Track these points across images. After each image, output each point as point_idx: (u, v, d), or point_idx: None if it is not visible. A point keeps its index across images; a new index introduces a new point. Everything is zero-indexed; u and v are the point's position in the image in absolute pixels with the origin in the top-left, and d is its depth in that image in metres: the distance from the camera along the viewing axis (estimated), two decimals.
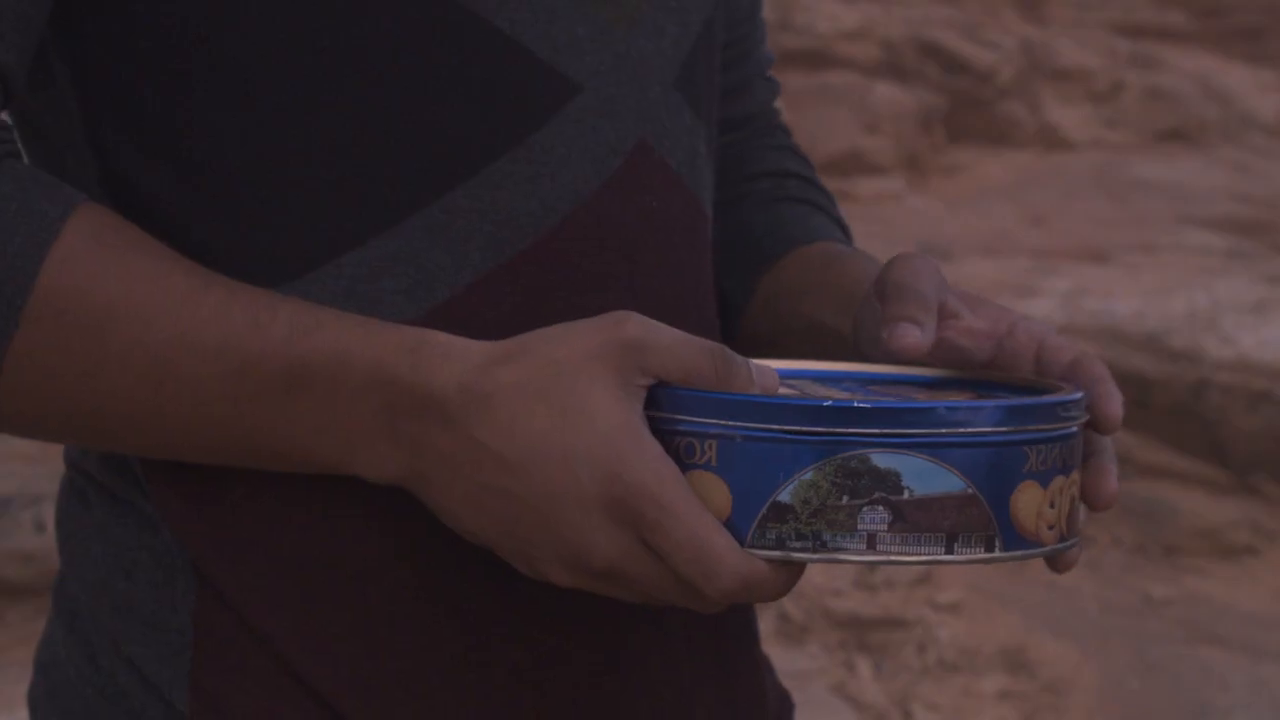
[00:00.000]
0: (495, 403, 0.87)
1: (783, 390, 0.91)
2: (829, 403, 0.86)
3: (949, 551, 0.86)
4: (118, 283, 0.89)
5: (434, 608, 0.97)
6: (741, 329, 1.12)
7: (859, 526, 0.85)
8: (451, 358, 0.88)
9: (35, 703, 1.04)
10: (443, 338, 0.89)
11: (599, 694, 0.99)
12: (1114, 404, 0.92)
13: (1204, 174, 5.98)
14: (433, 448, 0.88)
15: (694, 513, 0.85)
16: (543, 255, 0.96)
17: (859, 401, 0.86)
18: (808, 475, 0.85)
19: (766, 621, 3.54)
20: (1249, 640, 3.74)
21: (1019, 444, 0.87)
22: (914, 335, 0.91)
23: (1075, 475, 0.91)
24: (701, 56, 1.05)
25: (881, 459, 0.85)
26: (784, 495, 0.86)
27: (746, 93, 1.20)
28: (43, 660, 1.05)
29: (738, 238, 1.14)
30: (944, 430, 0.86)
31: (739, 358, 0.88)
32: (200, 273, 0.91)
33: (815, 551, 0.86)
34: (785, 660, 3.39)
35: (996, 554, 0.87)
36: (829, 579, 3.63)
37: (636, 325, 0.87)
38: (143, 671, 0.97)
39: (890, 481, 0.85)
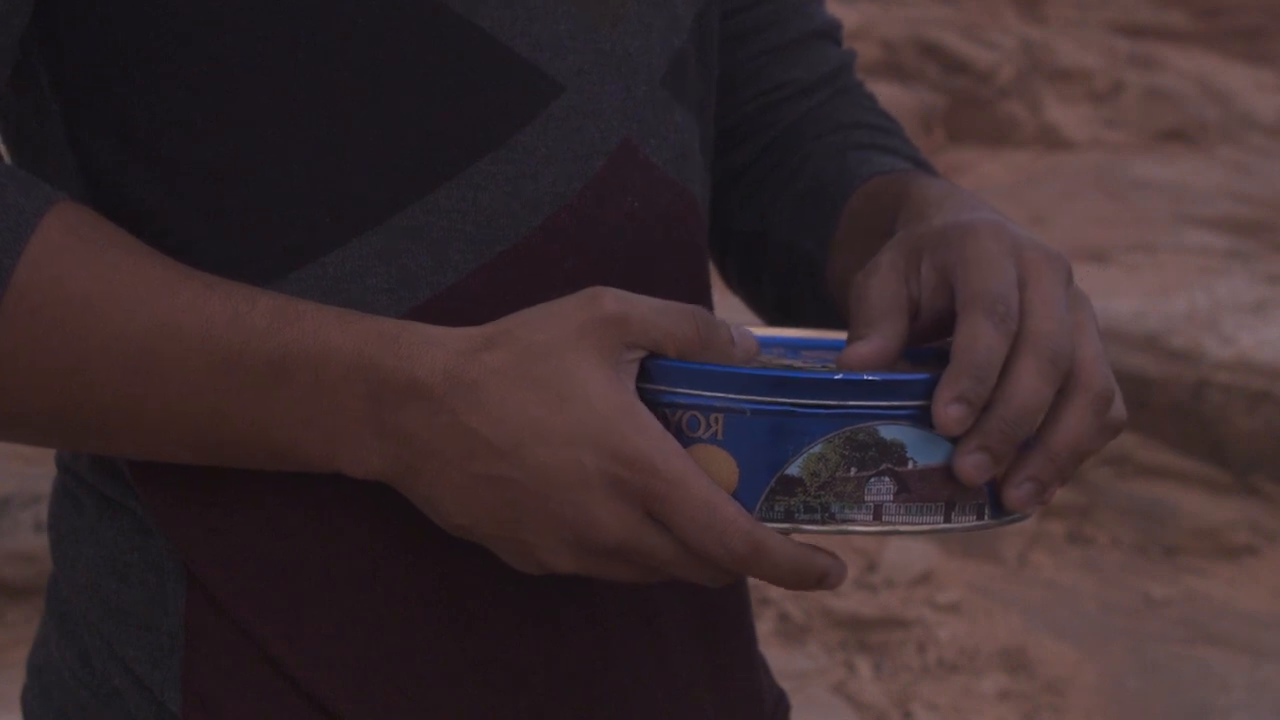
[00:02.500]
0: (484, 389, 0.86)
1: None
2: (840, 376, 0.87)
3: (947, 520, 0.88)
4: (95, 277, 0.89)
5: (427, 609, 0.96)
6: (826, 287, 1.11)
7: (866, 498, 0.86)
8: (434, 344, 0.88)
9: (28, 705, 1.04)
10: (424, 327, 0.89)
11: (592, 695, 0.99)
12: (938, 403, 0.86)
13: (1204, 174, 5.98)
14: (419, 438, 0.88)
15: (701, 482, 0.85)
16: (524, 256, 0.96)
17: (868, 375, 0.87)
18: (816, 448, 0.86)
19: (766, 621, 3.54)
20: (1249, 640, 3.74)
21: None
22: (861, 349, 0.91)
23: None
24: (694, 51, 1.05)
25: (888, 431, 0.86)
26: (793, 468, 0.86)
27: (804, 51, 1.17)
28: (36, 662, 1.05)
29: (804, 197, 1.13)
30: None
31: (718, 320, 0.88)
32: (177, 266, 0.91)
33: (824, 523, 0.86)
34: (785, 660, 3.39)
35: (985, 521, 0.89)
36: None
37: (613, 300, 0.87)
38: (135, 673, 0.97)
39: (896, 453, 0.86)
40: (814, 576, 0.87)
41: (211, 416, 0.90)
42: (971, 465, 0.87)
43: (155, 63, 0.93)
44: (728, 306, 1.22)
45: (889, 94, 5.87)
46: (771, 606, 3.60)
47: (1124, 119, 6.54)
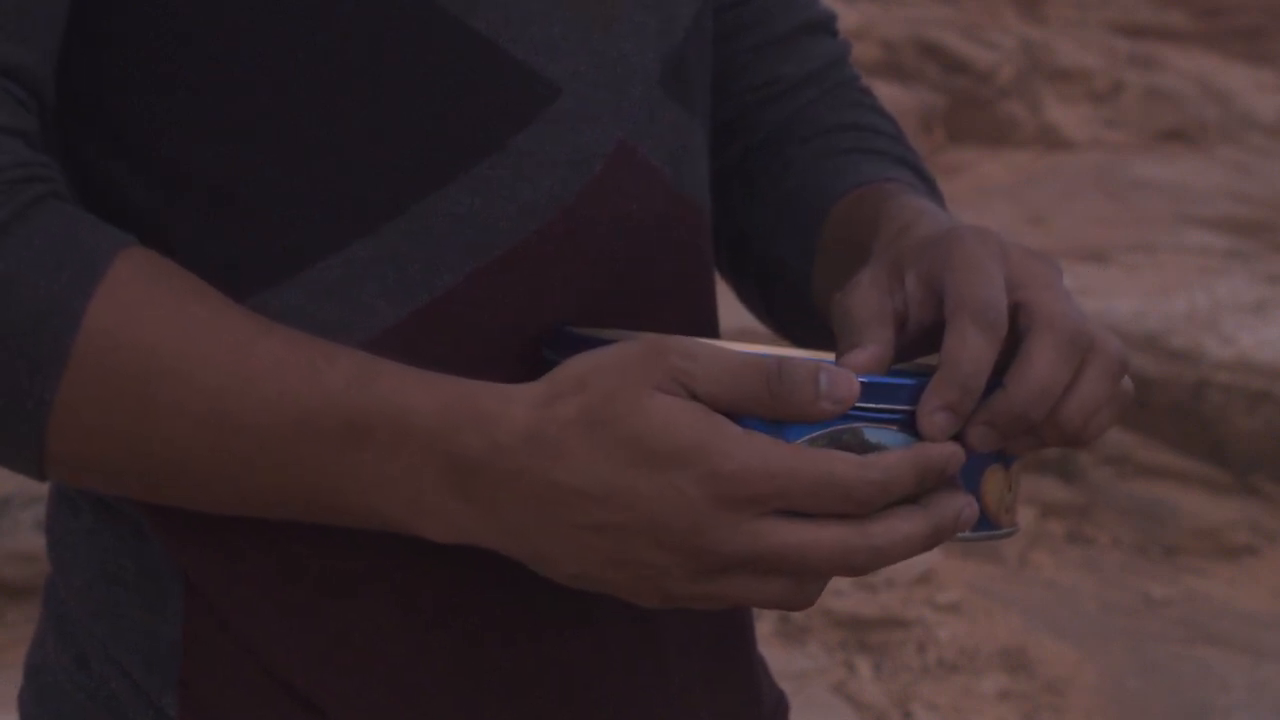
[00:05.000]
0: (564, 442, 0.84)
1: None
2: None
3: None
4: (168, 324, 0.87)
5: (424, 616, 0.96)
6: (811, 296, 1.10)
7: None
8: (511, 402, 0.86)
9: (24, 706, 1.03)
10: (497, 386, 0.87)
11: (589, 699, 0.99)
12: (924, 411, 0.86)
13: (1204, 174, 5.98)
14: (511, 499, 0.85)
15: (805, 463, 0.82)
16: (522, 259, 0.95)
17: (857, 376, 0.86)
18: (801, 446, 0.84)
19: (766, 621, 3.54)
20: (1249, 640, 3.74)
21: None
22: (859, 355, 0.90)
23: (1017, 465, 0.92)
24: (691, 49, 1.04)
25: (874, 434, 0.85)
26: None
27: (795, 46, 1.16)
28: (34, 664, 1.04)
29: (786, 207, 1.12)
30: None
31: (800, 372, 0.83)
32: (255, 318, 0.89)
33: None
34: (785, 660, 3.39)
35: (967, 534, 0.87)
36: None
37: (677, 355, 0.84)
38: (132, 677, 0.97)
39: None
40: (936, 472, 0.84)
41: (283, 474, 0.88)
42: (976, 437, 0.87)
43: (154, 63, 0.92)
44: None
45: (889, 94, 5.87)
46: None
47: (1124, 119, 6.54)
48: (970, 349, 0.87)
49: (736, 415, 0.84)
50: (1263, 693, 3.51)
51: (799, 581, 0.85)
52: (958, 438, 0.87)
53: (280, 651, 0.95)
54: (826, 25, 1.18)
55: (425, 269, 0.94)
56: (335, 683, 0.96)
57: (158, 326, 0.87)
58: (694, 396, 0.84)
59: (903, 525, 0.84)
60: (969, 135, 6.15)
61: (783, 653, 3.44)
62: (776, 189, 1.13)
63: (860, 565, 0.84)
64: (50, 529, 1.03)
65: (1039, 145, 6.28)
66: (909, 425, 0.86)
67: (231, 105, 0.92)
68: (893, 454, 0.84)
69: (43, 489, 3.30)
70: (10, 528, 3.32)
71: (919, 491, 0.85)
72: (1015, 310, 0.90)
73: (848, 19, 6.14)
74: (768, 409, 0.84)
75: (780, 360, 0.84)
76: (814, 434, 0.84)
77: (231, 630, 0.95)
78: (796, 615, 3.60)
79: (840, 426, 0.85)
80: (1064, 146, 6.31)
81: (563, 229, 0.96)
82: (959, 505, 0.85)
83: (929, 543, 0.85)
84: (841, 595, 3.67)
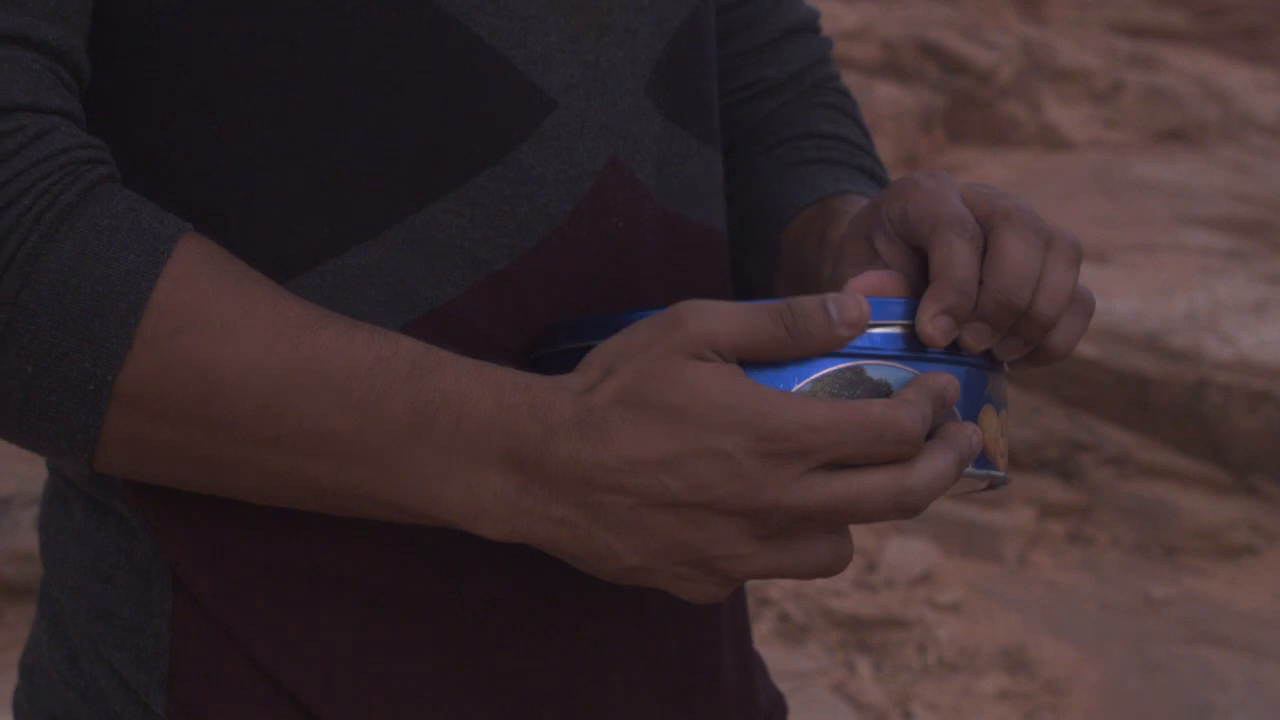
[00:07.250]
0: (610, 424, 0.85)
1: None
2: None
3: None
4: (234, 304, 0.86)
5: (411, 614, 0.96)
6: None
7: None
8: (560, 389, 0.86)
9: (18, 706, 1.04)
10: (544, 377, 0.88)
11: (576, 699, 0.99)
12: (924, 317, 0.88)
13: (1204, 174, 5.99)
14: (572, 484, 0.85)
15: (847, 413, 0.84)
16: (517, 275, 0.95)
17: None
18: (805, 388, 0.86)
19: (766, 621, 3.55)
20: (1249, 640, 3.75)
21: (985, 368, 0.91)
22: (866, 279, 0.92)
23: (1006, 414, 0.93)
24: (683, 52, 1.04)
25: (875, 371, 0.86)
26: None
27: (778, 49, 1.17)
28: (27, 663, 1.04)
29: (748, 215, 1.13)
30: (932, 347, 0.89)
31: (808, 305, 0.85)
32: (314, 306, 0.89)
33: None
34: (785, 660, 3.39)
35: (969, 470, 0.89)
36: (829, 579, 3.63)
37: (694, 320, 0.85)
38: (121, 675, 0.97)
39: (882, 393, 0.86)
40: (939, 398, 0.86)
41: (344, 462, 0.87)
42: (972, 335, 0.89)
43: (153, 71, 0.92)
44: None
45: (889, 94, 5.87)
46: (771, 606, 3.60)
47: (1124, 119, 6.54)
48: (958, 254, 0.89)
49: (746, 367, 0.85)
50: (1262, 693, 3.51)
51: (838, 540, 0.87)
52: (952, 349, 0.89)
53: (268, 650, 0.95)
54: (810, 25, 1.20)
55: (425, 280, 0.94)
56: (321, 678, 0.96)
57: (222, 309, 0.86)
58: (717, 353, 0.85)
59: (938, 460, 0.86)
60: (969, 135, 6.16)
61: (783, 653, 3.44)
62: (740, 198, 1.14)
63: (912, 505, 0.85)
64: (43, 527, 1.03)
65: (1039, 145, 6.29)
66: (908, 361, 0.87)
67: (231, 111, 0.92)
68: (909, 390, 0.86)
69: (42, 489, 3.30)
70: (10, 528, 3.32)
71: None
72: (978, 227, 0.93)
73: (848, 19, 6.15)
74: (787, 347, 0.85)
75: (788, 299, 0.86)
76: (818, 374, 0.86)
77: (220, 628, 0.95)
78: (797, 615, 3.60)
79: (843, 365, 0.86)
80: (1064, 146, 6.32)
81: (556, 244, 0.96)
82: (968, 432, 0.87)
83: (957, 472, 0.86)
84: (841, 595, 3.67)
